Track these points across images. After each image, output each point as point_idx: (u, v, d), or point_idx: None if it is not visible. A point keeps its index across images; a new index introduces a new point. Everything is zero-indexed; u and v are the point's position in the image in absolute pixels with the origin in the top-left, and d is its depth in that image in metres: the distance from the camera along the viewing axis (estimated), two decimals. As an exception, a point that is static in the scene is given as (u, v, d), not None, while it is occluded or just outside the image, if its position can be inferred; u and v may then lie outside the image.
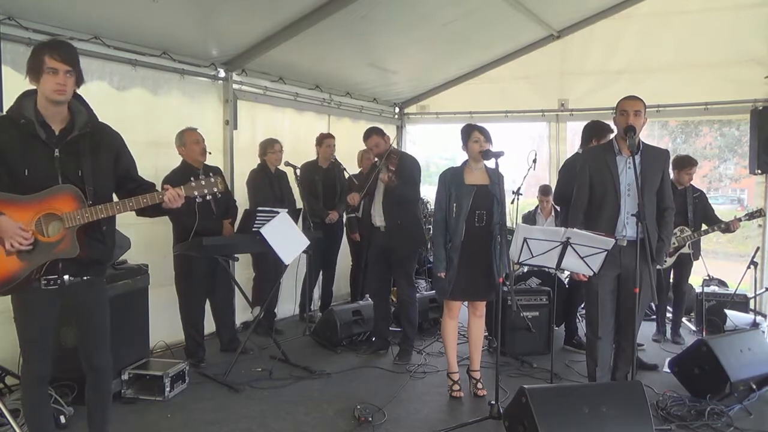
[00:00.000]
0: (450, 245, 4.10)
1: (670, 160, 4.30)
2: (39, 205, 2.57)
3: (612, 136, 4.98)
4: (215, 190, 2.82)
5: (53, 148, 2.61)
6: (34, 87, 2.61)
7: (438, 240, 4.17)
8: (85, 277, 2.75)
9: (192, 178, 2.83)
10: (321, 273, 6.45)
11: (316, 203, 6.01)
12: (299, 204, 5.67)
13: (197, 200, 2.83)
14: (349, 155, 6.71)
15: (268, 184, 5.51)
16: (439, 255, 4.16)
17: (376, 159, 5.24)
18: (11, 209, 2.54)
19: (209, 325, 5.13)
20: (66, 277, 2.67)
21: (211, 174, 2.92)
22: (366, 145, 5.24)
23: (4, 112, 2.67)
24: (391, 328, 5.43)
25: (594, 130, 5.09)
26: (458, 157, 4.40)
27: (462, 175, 4.17)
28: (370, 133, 5.17)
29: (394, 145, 5.42)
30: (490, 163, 4.08)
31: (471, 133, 4.13)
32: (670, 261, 5.52)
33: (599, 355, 3.95)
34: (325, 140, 6.26)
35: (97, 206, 2.64)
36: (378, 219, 5.05)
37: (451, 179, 4.16)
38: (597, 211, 3.90)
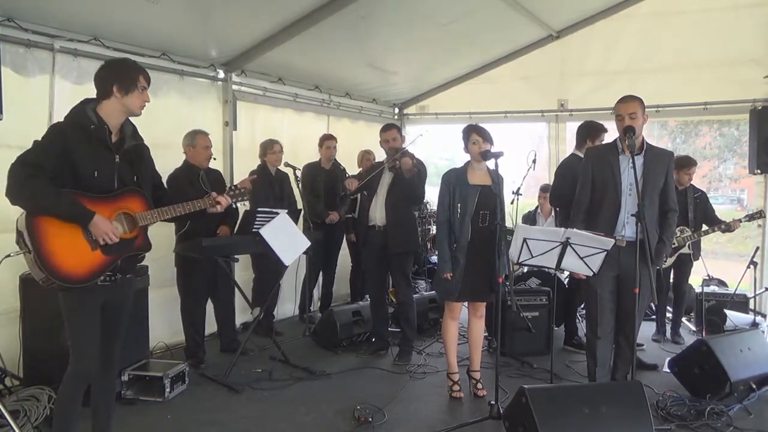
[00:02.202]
0: (456, 246, 4.09)
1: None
2: (115, 204, 2.78)
3: (605, 135, 5.05)
4: (246, 198, 3.22)
5: (115, 154, 2.80)
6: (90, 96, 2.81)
7: (443, 241, 4.15)
8: (128, 275, 2.95)
9: (228, 187, 3.21)
10: (321, 274, 6.45)
11: (318, 203, 6.01)
12: (300, 205, 5.68)
13: (233, 206, 3.25)
14: (348, 156, 6.72)
15: (267, 185, 5.50)
16: (444, 256, 4.13)
17: (374, 161, 5.22)
18: (93, 208, 2.67)
19: (209, 326, 5.13)
20: (119, 275, 2.84)
21: (242, 187, 3.29)
22: (383, 137, 5.07)
23: (63, 118, 2.79)
24: (390, 329, 5.43)
25: (588, 131, 5.09)
26: (458, 157, 4.42)
27: (465, 175, 4.17)
28: (391, 127, 5.15)
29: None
30: (491, 164, 4.08)
31: (470, 135, 4.14)
32: (670, 261, 5.52)
33: (599, 355, 3.95)
34: (325, 141, 6.27)
35: (163, 207, 2.92)
36: (379, 217, 5.01)
37: (455, 180, 4.16)
38: (597, 210, 3.91)
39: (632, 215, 3.64)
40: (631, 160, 3.67)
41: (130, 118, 2.91)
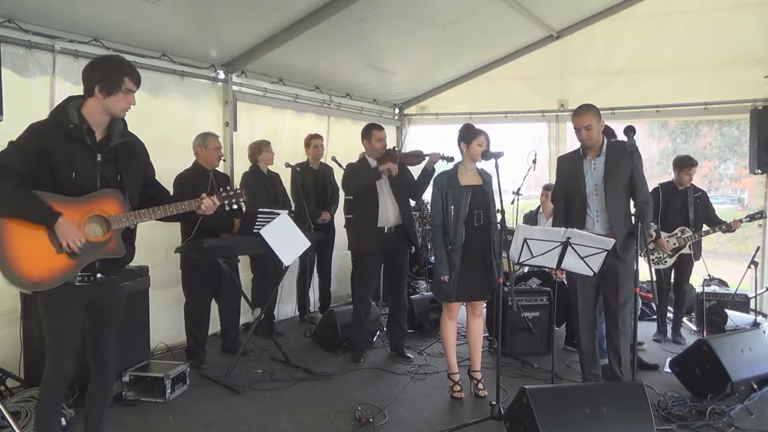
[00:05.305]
0: (451, 247, 4.11)
1: (638, 153, 3.92)
2: (87, 207, 2.66)
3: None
4: (241, 200, 3.04)
5: (96, 153, 2.70)
6: (79, 94, 2.71)
7: (439, 243, 4.18)
8: (112, 276, 2.84)
9: (220, 189, 3.03)
10: (317, 275, 6.43)
11: (309, 204, 5.97)
12: (293, 206, 5.67)
13: (225, 209, 3.03)
14: (349, 156, 6.68)
15: (261, 186, 5.46)
16: (441, 258, 4.16)
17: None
18: (64, 210, 2.59)
19: (210, 327, 5.12)
20: (99, 275, 2.75)
21: (239, 188, 3.09)
22: (374, 137, 4.98)
23: (47, 117, 2.71)
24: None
25: None
26: (459, 158, 4.42)
27: (456, 177, 4.20)
28: (381, 128, 5.09)
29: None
30: (490, 164, 4.11)
31: (477, 136, 4.16)
32: (670, 261, 5.53)
33: (582, 346, 4.14)
34: (312, 141, 6.20)
35: (140, 210, 2.78)
36: (392, 218, 4.94)
37: (447, 182, 4.19)
38: (571, 210, 4.12)
39: (632, 214, 3.72)
40: (593, 162, 3.98)
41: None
